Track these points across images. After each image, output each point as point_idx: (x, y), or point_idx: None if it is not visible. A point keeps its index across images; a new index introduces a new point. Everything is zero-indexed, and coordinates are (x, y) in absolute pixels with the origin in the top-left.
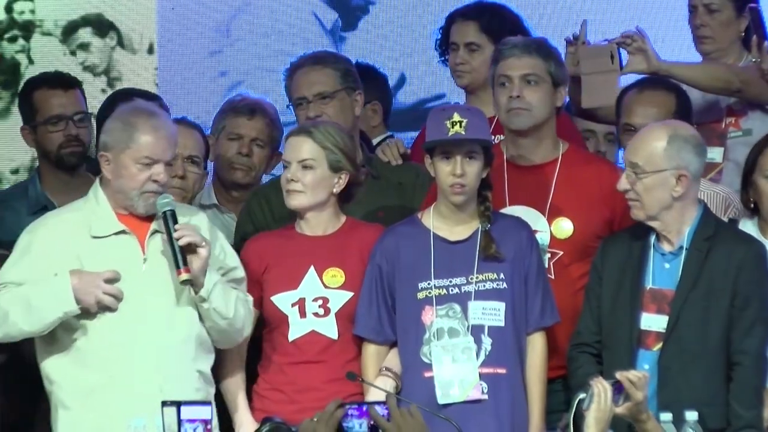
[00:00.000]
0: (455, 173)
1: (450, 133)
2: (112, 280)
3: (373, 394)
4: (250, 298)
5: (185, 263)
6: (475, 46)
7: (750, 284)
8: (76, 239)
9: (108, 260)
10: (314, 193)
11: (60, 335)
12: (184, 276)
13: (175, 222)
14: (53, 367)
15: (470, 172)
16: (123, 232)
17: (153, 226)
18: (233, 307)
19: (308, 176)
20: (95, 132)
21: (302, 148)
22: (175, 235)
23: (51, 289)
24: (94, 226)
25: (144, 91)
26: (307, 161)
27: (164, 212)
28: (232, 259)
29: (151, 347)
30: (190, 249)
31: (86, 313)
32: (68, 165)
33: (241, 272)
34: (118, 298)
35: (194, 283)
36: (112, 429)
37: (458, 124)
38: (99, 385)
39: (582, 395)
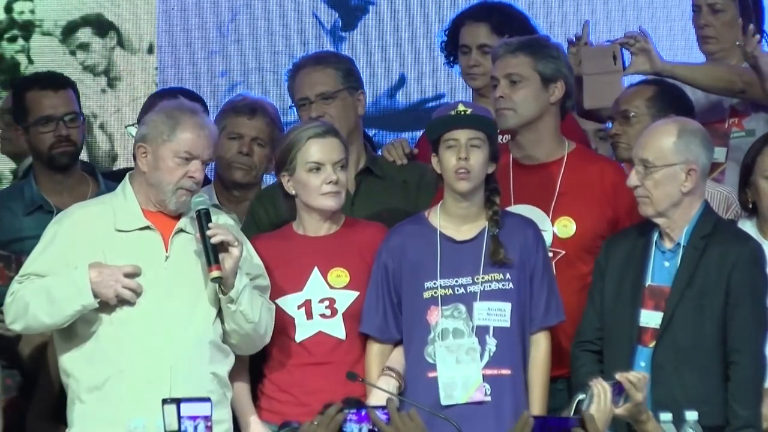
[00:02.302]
0: (459, 156)
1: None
2: (132, 275)
3: (375, 395)
4: (273, 307)
5: (216, 261)
6: (488, 48)
7: (743, 283)
8: (101, 232)
9: (131, 255)
10: (345, 193)
11: (77, 329)
12: (215, 273)
13: (209, 221)
14: (69, 360)
15: (474, 159)
16: (148, 228)
17: (179, 224)
18: (258, 312)
19: (343, 176)
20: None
21: (336, 149)
22: (208, 232)
23: (70, 281)
24: (120, 220)
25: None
26: (342, 161)
27: (198, 211)
28: (258, 266)
29: (165, 345)
30: (222, 248)
31: (103, 308)
32: (60, 165)
33: (265, 280)
34: (137, 292)
35: (224, 283)
36: (123, 424)
37: (462, 112)
38: (110, 379)
39: (581, 396)
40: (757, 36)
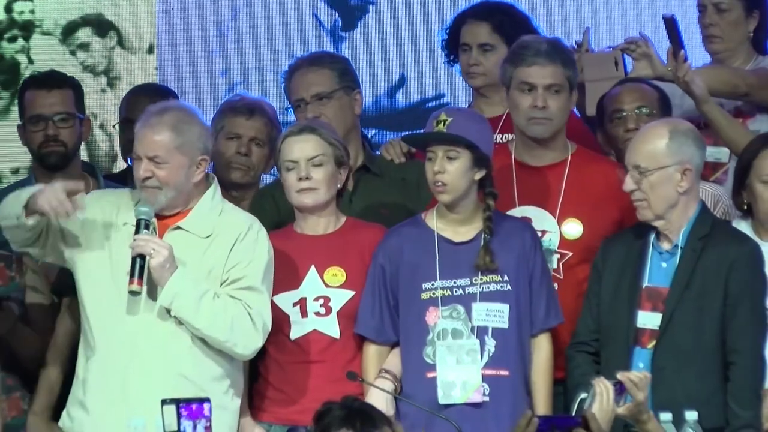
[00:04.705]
0: (434, 170)
1: (434, 131)
2: (72, 192)
3: (373, 395)
4: (255, 310)
5: (140, 275)
6: (489, 47)
7: (742, 283)
8: (113, 219)
9: (127, 247)
10: (327, 190)
11: (85, 325)
12: (130, 287)
13: (141, 232)
14: (79, 354)
15: (450, 171)
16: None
17: (179, 222)
18: (207, 321)
19: (319, 173)
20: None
21: (310, 146)
22: (131, 244)
23: (23, 191)
24: (126, 212)
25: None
26: (318, 158)
27: (138, 220)
28: (250, 267)
29: (130, 341)
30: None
31: (99, 297)
32: (49, 165)
33: (249, 281)
34: (74, 211)
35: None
36: (83, 408)
37: (443, 122)
38: (83, 366)
39: (584, 395)
40: (688, 62)
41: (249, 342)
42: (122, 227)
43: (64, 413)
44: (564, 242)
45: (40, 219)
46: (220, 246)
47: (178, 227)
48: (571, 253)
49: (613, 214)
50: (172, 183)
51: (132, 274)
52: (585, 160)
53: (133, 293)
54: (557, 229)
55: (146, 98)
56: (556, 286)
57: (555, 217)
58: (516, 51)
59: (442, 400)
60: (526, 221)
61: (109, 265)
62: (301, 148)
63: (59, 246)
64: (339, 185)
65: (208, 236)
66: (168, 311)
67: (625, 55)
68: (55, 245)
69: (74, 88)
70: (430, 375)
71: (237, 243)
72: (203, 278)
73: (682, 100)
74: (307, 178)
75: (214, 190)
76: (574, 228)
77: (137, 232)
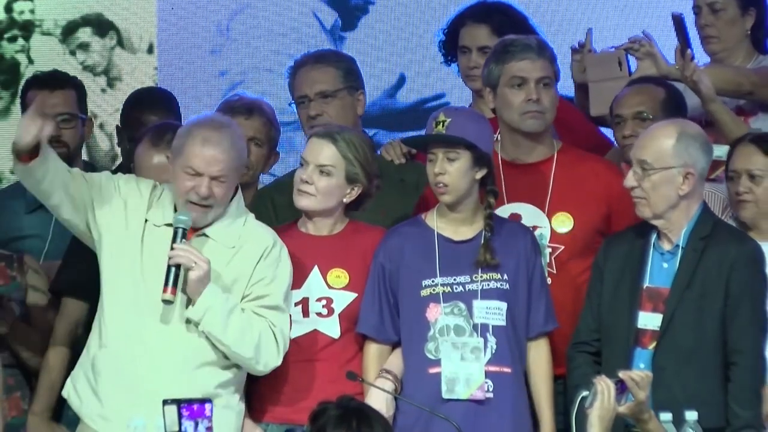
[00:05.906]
0: (434, 171)
1: (433, 132)
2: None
3: (373, 395)
4: (279, 328)
5: (174, 284)
6: (488, 49)
7: (742, 284)
8: (149, 214)
9: (155, 247)
10: (324, 199)
11: (103, 304)
12: (164, 296)
13: (179, 241)
14: (93, 328)
15: (450, 172)
16: (171, 225)
17: (205, 230)
18: (235, 337)
19: (323, 182)
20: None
21: (323, 153)
22: (170, 253)
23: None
24: (152, 213)
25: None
26: (326, 167)
27: (176, 228)
28: (274, 285)
29: (142, 338)
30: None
31: (120, 294)
32: None
33: (274, 300)
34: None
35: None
36: (113, 416)
37: (441, 123)
38: (106, 359)
39: (585, 393)
40: (695, 61)
41: (270, 360)
42: (159, 226)
43: (69, 384)
44: (555, 236)
45: (36, 161)
46: (245, 258)
47: (204, 234)
48: (562, 247)
49: (602, 208)
50: (225, 201)
51: (166, 283)
52: (572, 157)
53: (166, 302)
54: (548, 224)
55: (147, 112)
56: (550, 281)
57: (545, 212)
58: (502, 50)
59: (445, 395)
60: (516, 219)
61: (139, 260)
62: (315, 151)
63: (89, 216)
64: (346, 200)
65: (233, 246)
66: (196, 324)
67: (629, 55)
68: (85, 213)
69: (77, 88)
70: (431, 370)
71: (262, 259)
72: (228, 290)
73: (683, 97)
74: (307, 182)
75: (239, 200)
76: (564, 221)
77: (174, 240)
